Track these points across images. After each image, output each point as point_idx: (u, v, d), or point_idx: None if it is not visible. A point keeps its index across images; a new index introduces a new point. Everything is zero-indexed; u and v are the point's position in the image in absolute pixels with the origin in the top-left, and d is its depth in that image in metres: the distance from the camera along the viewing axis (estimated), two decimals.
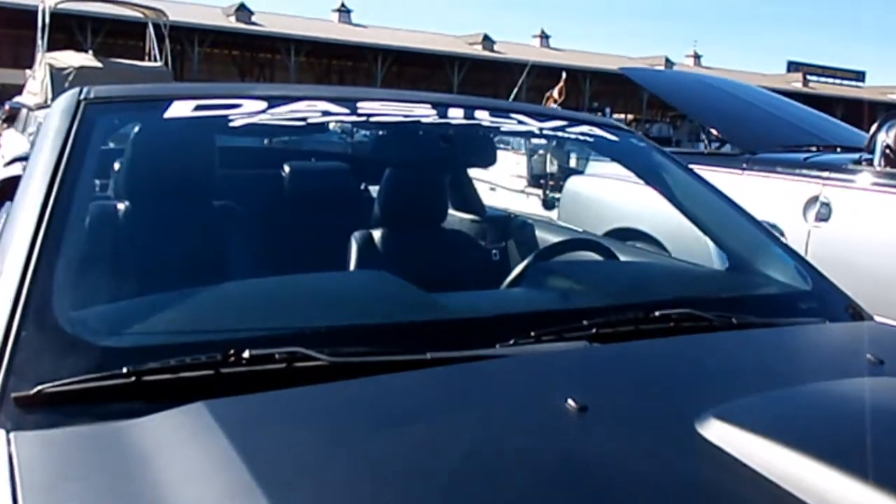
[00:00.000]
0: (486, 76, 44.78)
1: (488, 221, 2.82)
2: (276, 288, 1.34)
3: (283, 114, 1.72)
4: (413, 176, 2.33)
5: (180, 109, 1.63)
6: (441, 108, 1.89)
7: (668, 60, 49.83)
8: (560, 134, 2.04)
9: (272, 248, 2.07)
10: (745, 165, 3.90)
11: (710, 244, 3.82)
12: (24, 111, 13.07)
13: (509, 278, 1.85)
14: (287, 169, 2.58)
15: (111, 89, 1.69)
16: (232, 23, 36.88)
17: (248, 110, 1.68)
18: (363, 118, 1.83)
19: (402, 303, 1.34)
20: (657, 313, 1.33)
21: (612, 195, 4.52)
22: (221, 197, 2.01)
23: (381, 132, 2.33)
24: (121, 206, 1.77)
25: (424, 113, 1.87)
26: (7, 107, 17.73)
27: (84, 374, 1.01)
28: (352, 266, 2.26)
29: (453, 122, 1.88)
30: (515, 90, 14.71)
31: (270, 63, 43.23)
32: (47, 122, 1.53)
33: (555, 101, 15.36)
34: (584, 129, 2.02)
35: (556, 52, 46.18)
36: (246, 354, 1.05)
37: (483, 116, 1.93)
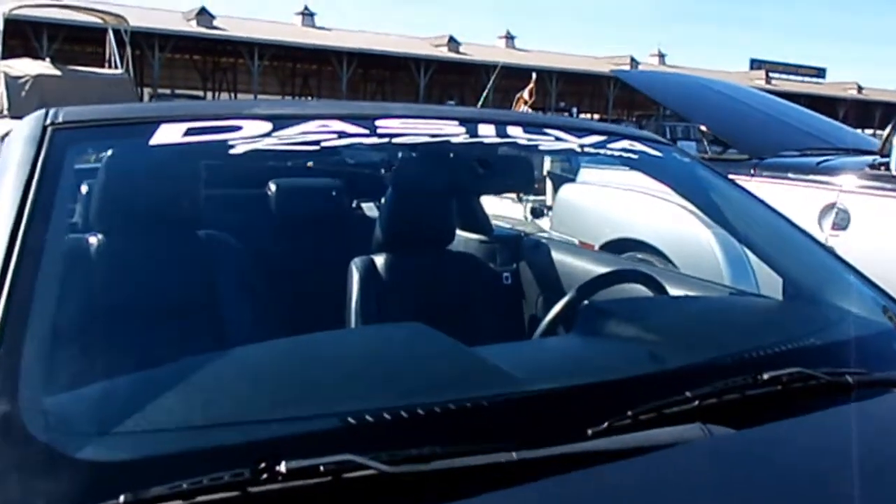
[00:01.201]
0: (452, 78, 44.60)
1: (498, 241, 2.59)
2: (300, 363, 1.08)
3: (291, 137, 1.45)
4: (419, 194, 2.10)
5: (169, 134, 1.36)
6: (470, 124, 1.65)
7: (633, 59, 49.97)
8: (602, 151, 1.81)
9: (277, 298, 1.81)
10: (752, 171, 3.71)
11: (720, 257, 3.64)
12: None
13: (548, 318, 1.62)
14: (287, 189, 2.33)
15: (83, 111, 1.42)
16: (193, 27, 36.21)
17: (250, 133, 1.41)
18: (385, 139, 1.57)
19: (457, 372, 1.09)
20: (765, 375, 1.10)
21: (608, 204, 4.32)
22: (225, 245, 1.76)
23: (405, 155, 2.07)
24: (102, 263, 1.50)
25: (453, 131, 1.62)
26: None
27: None
28: (353, 297, 2.02)
29: (486, 140, 1.64)
30: (485, 93, 14.56)
31: (233, 67, 42.61)
32: (6, 155, 1.26)
33: (525, 103, 15.25)
34: (626, 144, 1.79)
35: (522, 52, 46.10)
36: (282, 468, 0.79)
37: (517, 133, 1.68)
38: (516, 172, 1.96)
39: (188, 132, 1.38)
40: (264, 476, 0.78)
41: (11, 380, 0.88)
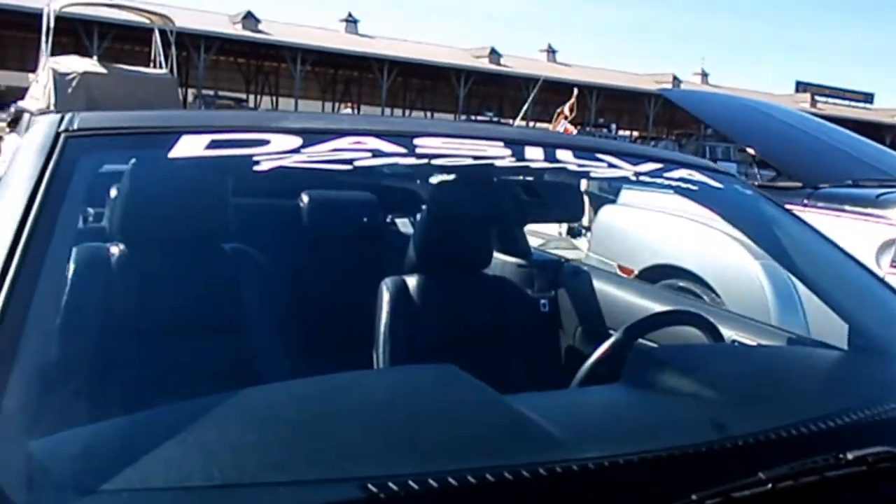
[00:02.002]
0: (491, 89, 44.53)
1: (536, 266, 2.48)
2: (317, 414, 0.97)
3: (322, 153, 1.35)
4: (457, 215, 1.99)
5: (190, 147, 1.27)
6: (516, 146, 1.53)
7: (675, 78, 49.57)
8: (658, 180, 1.68)
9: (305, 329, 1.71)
10: (806, 201, 3.56)
11: (768, 290, 3.49)
12: (25, 116, 12.78)
13: (592, 360, 1.49)
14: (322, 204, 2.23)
15: (101, 117, 1.33)
16: (239, 30, 36.58)
17: (277, 148, 1.31)
18: (423, 160, 1.46)
19: (495, 432, 0.98)
20: (849, 455, 0.96)
21: (650, 229, 4.19)
22: (249, 261, 1.67)
23: (444, 179, 1.97)
24: (112, 281, 1.40)
25: (498, 153, 1.50)
26: (12, 109, 17.50)
27: None
28: (383, 319, 1.92)
29: (533, 165, 1.52)
30: (526, 106, 14.49)
31: (276, 72, 42.91)
32: (15, 163, 1.17)
33: (566, 118, 15.12)
34: (684, 173, 1.67)
35: (562, 66, 45.91)
36: None
37: (567, 158, 1.56)
38: (565, 202, 1.84)
39: (211, 145, 1.29)
40: None
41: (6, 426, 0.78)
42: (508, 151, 1.51)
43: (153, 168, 1.40)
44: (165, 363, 1.32)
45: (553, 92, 27.03)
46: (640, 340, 1.54)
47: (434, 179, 2.09)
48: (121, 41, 31.40)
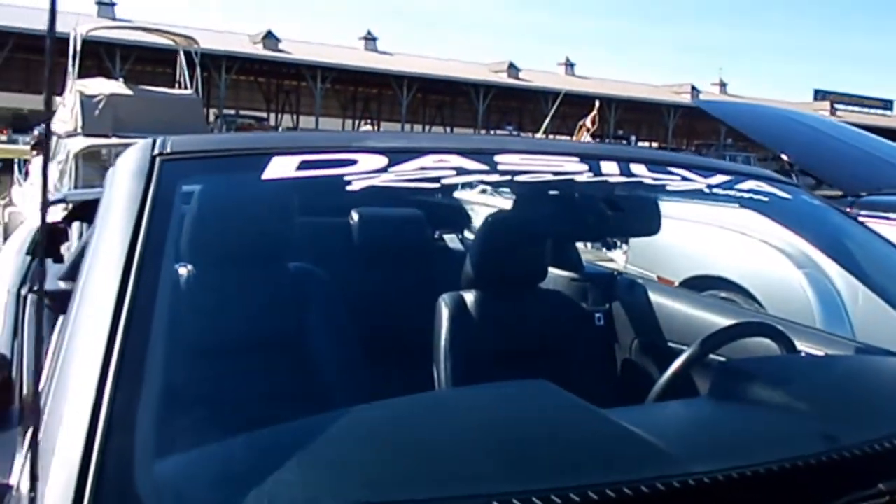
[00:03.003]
0: (511, 104, 44.65)
1: (589, 280, 2.47)
2: (429, 431, 0.97)
3: (409, 172, 1.36)
4: (515, 227, 2.00)
5: (282, 168, 1.28)
6: (592, 161, 1.54)
7: (693, 88, 49.45)
8: (730, 192, 1.68)
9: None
10: (849, 209, 3.54)
11: (813, 299, 3.46)
12: (53, 138, 12.92)
13: (669, 374, 1.49)
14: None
15: (190, 140, 1.35)
16: (259, 50, 36.92)
17: (365, 168, 1.32)
18: (507, 177, 1.47)
19: (602, 446, 0.98)
20: None
21: (690, 239, 4.16)
22: (345, 283, 1.68)
23: (525, 193, 1.98)
24: (219, 306, 1.41)
25: (575, 169, 1.52)
26: (36, 132, 17.68)
27: None
28: (442, 334, 1.92)
29: (611, 180, 1.53)
30: (547, 120, 14.50)
31: (296, 90, 43.24)
32: (114, 188, 1.19)
33: (587, 130, 15.12)
34: (753, 184, 1.66)
35: (581, 79, 45.94)
36: None
37: (642, 172, 1.57)
38: (645, 215, 1.84)
39: (302, 165, 1.30)
40: None
41: (129, 448, 0.79)
42: (585, 167, 1.52)
43: (249, 189, 1.41)
44: (271, 382, 1.34)
45: (571, 105, 27.02)
46: (719, 355, 1.53)
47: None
48: (142, 63, 31.77)
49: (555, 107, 14.91)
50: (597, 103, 15.07)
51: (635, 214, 1.85)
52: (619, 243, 5.86)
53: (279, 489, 0.81)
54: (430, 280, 2.18)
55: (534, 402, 1.09)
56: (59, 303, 1.84)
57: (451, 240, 2.91)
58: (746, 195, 1.67)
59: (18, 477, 0.80)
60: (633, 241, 4.79)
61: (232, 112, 37.39)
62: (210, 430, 1.00)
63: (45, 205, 1.09)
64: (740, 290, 3.77)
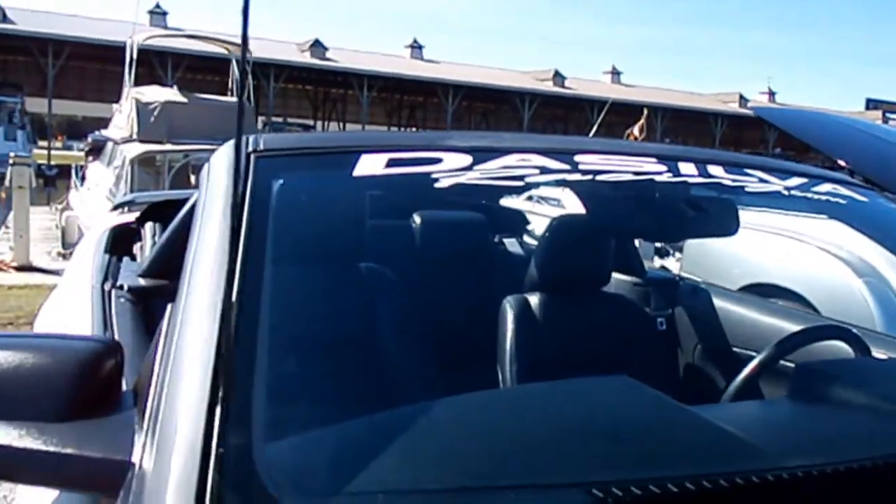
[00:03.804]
0: (556, 112, 44.51)
1: (652, 285, 2.47)
2: (528, 420, 1.00)
3: (493, 170, 1.39)
4: (581, 231, 2.01)
5: (371, 165, 1.32)
6: (671, 162, 1.56)
7: (741, 97, 48.85)
8: (808, 195, 1.68)
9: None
10: None
11: (874, 307, 3.41)
12: (109, 144, 13.22)
13: (743, 375, 1.50)
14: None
15: (281, 139, 1.40)
16: (307, 58, 37.34)
17: (451, 166, 1.36)
18: (588, 176, 1.50)
19: (694, 440, 1.00)
20: None
21: (745, 247, 4.13)
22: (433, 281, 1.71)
23: (590, 196, 2.00)
24: (314, 299, 1.45)
25: (654, 169, 1.53)
26: (90, 139, 18.10)
27: None
28: (508, 336, 1.95)
29: (690, 180, 1.55)
30: (594, 129, 14.45)
31: (343, 98, 43.61)
32: (212, 184, 1.23)
33: (635, 139, 15.03)
34: (829, 187, 1.66)
35: (627, 88, 45.64)
36: None
37: (720, 173, 1.58)
38: (724, 216, 1.84)
39: (390, 163, 1.34)
40: None
41: (246, 430, 0.83)
42: (664, 167, 1.53)
43: (341, 186, 1.45)
44: (363, 375, 1.37)
45: (617, 113, 26.83)
46: (793, 358, 1.54)
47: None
48: (192, 71, 32.33)
49: (601, 116, 14.87)
50: (645, 111, 14.99)
51: (714, 215, 1.86)
52: (671, 251, 5.83)
53: (384, 472, 0.84)
54: (494, 282, 2.21)
55: (620, 395, 1.11)
56: (140, 297, 1.91)
57: (512, 244, 2.93)
58: (823, 198, 1.67)
59: (140, 455, 0.85)
60: (686, 248, 4.76)
61: (280, 120, 37.86)
62: (315, 417, 1.04)
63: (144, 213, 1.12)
64: (798, 299, 3.73)
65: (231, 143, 1.35)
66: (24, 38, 31.95)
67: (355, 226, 1.51)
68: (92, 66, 35.69)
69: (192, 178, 11.77)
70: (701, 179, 1.55)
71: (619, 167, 1.52)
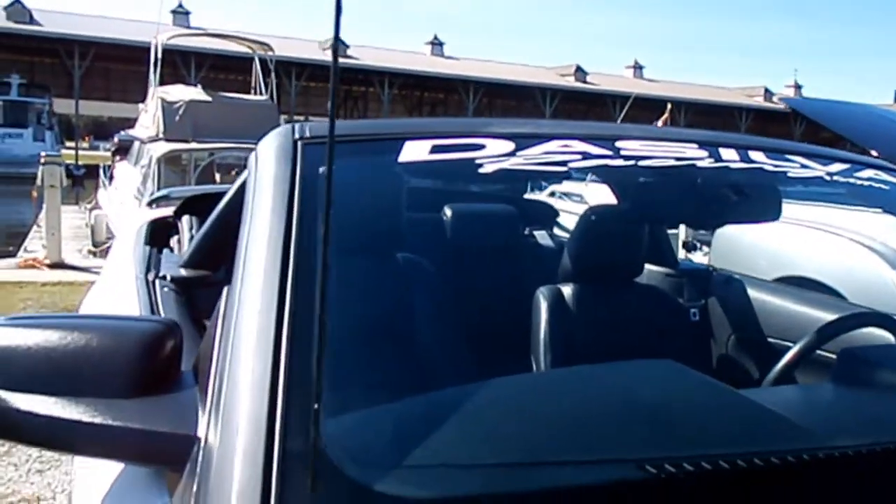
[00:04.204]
0: (579, 107, 44.35)
1: (684, 275, 2.47)
2: (576, 401, 1.02)
3: (535, 156, 1.41)
4: (614, 221, 2.02)
5: (416, 151, 1.34)
6: (712, 148, 1.56)
7: (767, 91, 48.44)
8: (850, 180, 1.68)
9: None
10: None
11: None
12: (136, 144, 13.37)
13: (784, 362, 1.50)
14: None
15: (325, 126, 1.42)
16: (328, 56, 37.43)
17: (494, 152, 1.38)
18: (630, 162, 1.51)
19: (743, 421, 1.01)
20: None
21: (776, 239, 4.11)
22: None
23: (644, 178, 2.02)
24: (363, 283, 1.48)
25: (696, 155, 1.54)
26: (116, 139, 18.29)
27: None
28: (541, 327, 1.96)
29: (732, 166, 1.55)
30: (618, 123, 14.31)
31: (364, 95, 43.78)
32: (261, 170, 1.26)
33: None
34: (871, 173, 1.66)
35: (650, 82, 45.41)
36: None
37: (761, 159, 1.58)
38: (767, 201, 1.85)
39: (434, 150, 1.36)
40: None
41: (304, 402, 0.86)
42: (705, 153, 1.54)
43: (387, 171, 1.47)
44: (418, 357, 1.40)
45: (640, 108, 26.67)
46: (833, 344, 1.54)
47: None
48: (215, 70, 32.57)
49: (624, 111, 14.79)
50: (669, 106, 14.91)
51: (757, 200, 1.86)
52: (698, 245, 5.81)
53: (440, 447, 0.86)
54: (526, 273, 2.22)
55: (666, 377, 1.12)
56: (183, 287, 1.95)
57: (542, 236, 2.95)
58: (866, 183, 1.67)
59: (205, 430, 0.88)
60: (715, 242, 4.74)
61: (301, 118, 38.04)
62: (369, 395, 1.06)
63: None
64: (829, 291, 3.70)
65: (278, 130, 1.38)
66: (51, 39, 32.34)
67: (400, 212, 1.53)
68: (117, 66, 36.02)
69: (217, 176, 11.89)
70: (743, 164, 1.56)
71: (661, 153, 1.53)
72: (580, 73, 43.95)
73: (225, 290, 1.05)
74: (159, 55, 13.44)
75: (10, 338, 0.93)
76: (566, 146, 1.45)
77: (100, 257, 9.30)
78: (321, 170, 1.25)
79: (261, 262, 1.03)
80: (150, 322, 1.01)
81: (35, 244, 10.59)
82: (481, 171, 1.37)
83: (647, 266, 2.43)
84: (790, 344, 1.63)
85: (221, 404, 0.86)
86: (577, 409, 1.00)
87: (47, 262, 8.37)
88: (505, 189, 3.06)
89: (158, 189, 9.15)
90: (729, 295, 2.38)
